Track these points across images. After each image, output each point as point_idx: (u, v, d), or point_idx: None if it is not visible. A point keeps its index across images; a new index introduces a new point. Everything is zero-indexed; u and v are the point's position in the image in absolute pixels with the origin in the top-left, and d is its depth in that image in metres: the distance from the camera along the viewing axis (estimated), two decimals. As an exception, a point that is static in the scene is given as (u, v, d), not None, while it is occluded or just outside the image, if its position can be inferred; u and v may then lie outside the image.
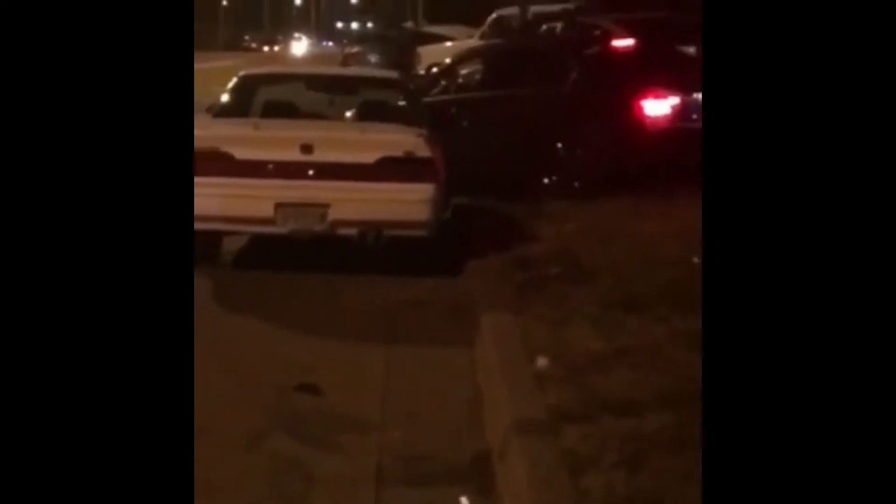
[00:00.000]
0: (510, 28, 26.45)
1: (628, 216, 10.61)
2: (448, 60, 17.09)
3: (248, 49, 66.45)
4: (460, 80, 14.56)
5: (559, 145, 12.65)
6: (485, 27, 29.69)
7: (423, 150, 8.88)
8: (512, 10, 27.76)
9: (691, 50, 16.16)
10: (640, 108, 12.63)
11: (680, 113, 12.80)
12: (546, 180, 12.64)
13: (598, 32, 22.24)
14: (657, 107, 12.70)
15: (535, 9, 26.67)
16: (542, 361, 6.22)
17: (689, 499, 4.27)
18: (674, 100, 12.78)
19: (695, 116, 12.64)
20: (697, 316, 6.99)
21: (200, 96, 11.26)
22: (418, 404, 6.09)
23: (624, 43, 15.16)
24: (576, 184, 12.38)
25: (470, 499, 4.76)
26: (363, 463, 5.23)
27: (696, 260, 8.51)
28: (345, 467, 5.19)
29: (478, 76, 14.69)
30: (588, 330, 6.84)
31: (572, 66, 13.46)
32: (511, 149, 12.44)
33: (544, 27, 24.70)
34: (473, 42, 26.51)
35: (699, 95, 12.81)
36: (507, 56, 15.76)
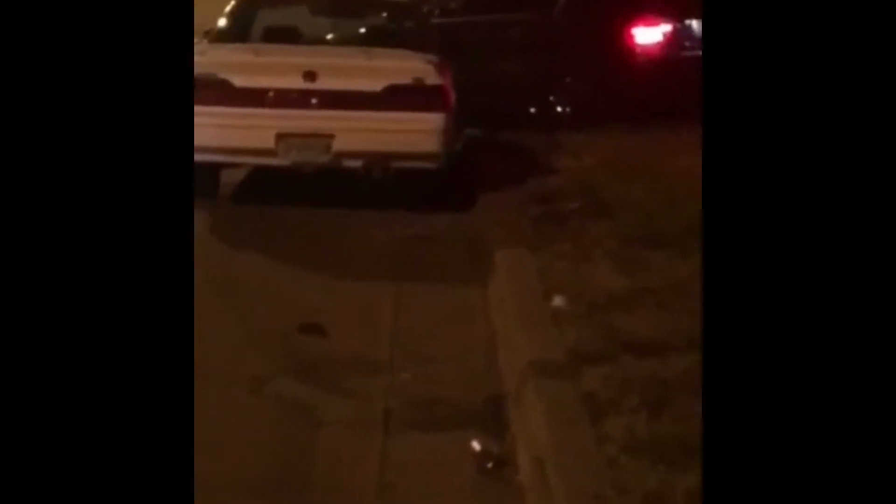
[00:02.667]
0: None
1: (648, 149, 10.69)
2: None
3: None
4: (452, 4, 14.40)
5: (546, 73, 12.67)
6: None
7: (433, 78, 8.85)
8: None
9: None
10: (631, 36, 12.73)
11: (672, 41, 12.94)
12: (532, 109, 12.69)
13: None
14: (648, 34, 12.82)
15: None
16: (559, 300, 6.21)
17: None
18: (665, 27, 12.92)
19: (688, 44, 12.92)
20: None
21: (196, 20, 11.22)
22: (429, 345, 6.10)
23: None
24: (562, 110, 12.56)
25: (482, 443, 4.74)
26: (371, 407, 5.24)
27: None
28: (352, 411, 5.21)
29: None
30: (609, 267, 6.86)
31: None
32: (497, 76, 12.47)
33: None
34: None
35: (693, 22, 12.93)
36: None
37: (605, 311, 5.94)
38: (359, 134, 8.68)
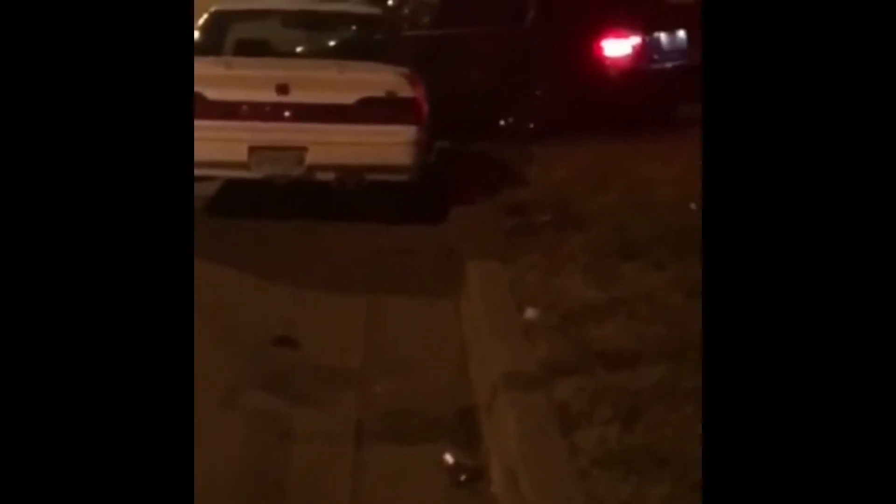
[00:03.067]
0: None
1: (619, 159, 10.68)
2: None
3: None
4: (425, 17, 14.42)
5: (517, 85, 12.67)
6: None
7: (406, 90, 8.87)
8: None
9: None
10: (601, 48, 12.81)
11: (641, 53, 13.02)
12: (502, 122, 12.73)
13: None
14: (618, 47, 12.89)
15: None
16: (531, 311, 6.21)
17: (687, 454, 4.26)
18: (635, 40, 12.98)
19: (656, 57, 13.15)
20: (696, 263, 6.97)
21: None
22: (401, 357, 6.11)
23: None
24: (531, 125, 12.54)
25: (455, 455, 4.74)
26: (343, 418, 5.24)
27: (693, 206, 8.49)
28: (324, 423, 5.20)
29: (440, 12, 14.33)
30: (581, 278, 6.84)
31: (532, 3, 13.41)
32: (468, 88, 12.45)
33: None
34: None
35: (661, 35, 13.04)
36: None
37: (577, 323, 5.93)
38: (332, 147, 8.69)
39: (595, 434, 4.49)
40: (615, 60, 12.82)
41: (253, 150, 8.69)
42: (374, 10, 11.41)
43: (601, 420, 4.63)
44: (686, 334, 5.63)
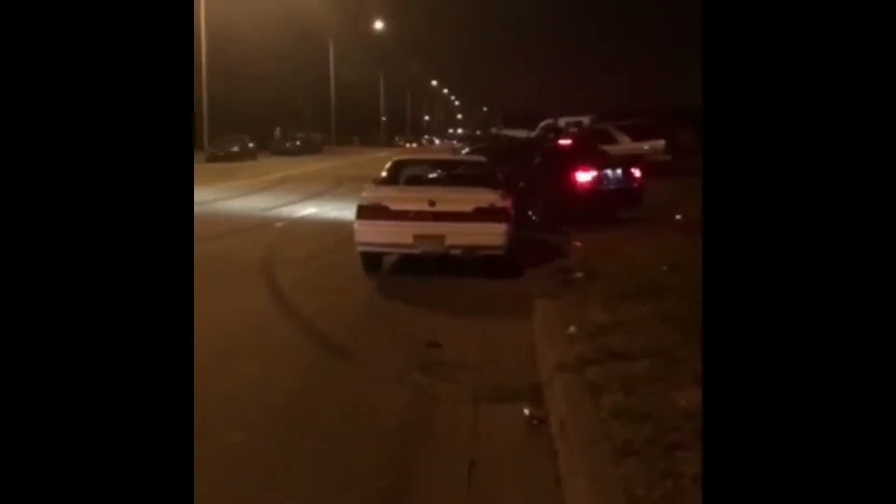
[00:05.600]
0: (551, 129, 26.47)
1: (611, 241, 10.75)
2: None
3: (397, 145, 67.04)
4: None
5: (529, 198, 12.79)
6: (537, 130, 29.71)
7: (500, 203, 8.87)
8: (550, 120, 27.82)
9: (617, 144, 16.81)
10: (575, 177, 13.15)
11: (597, 180, 13.40)
12: (531, 214, 12.96)
13: (569, 132, 22.86)
14: (584, 176, 13.24)
15: (564, 119, 26.92)
16: (572, 328, 6.17)
17: (663, 412, 4.21)
18: (594, 172, 13.39)
19: (605, 183, 13.58)
20: (667, 301, 6.89)
21: (373, 172, 11.44)
22: (499, 354, 6.04)
23: (564, 141, 16.43)
24: (534, 218, 12.87)
25: (530, 410, 4.71)
26: (466, 390, 5.21)
27: (665, 268, 8.39)
28: (456, 392, 5.18)
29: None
30: (599, 309, 6.79)
31: (537, 153, 14.34)
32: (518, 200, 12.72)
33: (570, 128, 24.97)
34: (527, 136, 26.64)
35: (608, 171, 13.86)
36: (517, 147, 16.58)
37: (597, 335, 5.89)
38: (460, 235, 8.72)
39: (609, 399, 4.47)
40: (583, 184, 13.13)
41: (416, 237, 8.75)
42: (480, 158, 11.46)
43: (613, 391, 4.60)
44: (660, 343, 5.56)
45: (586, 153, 14.71)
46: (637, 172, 14.13)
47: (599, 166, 13.53)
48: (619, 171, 13.79)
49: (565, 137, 18.04)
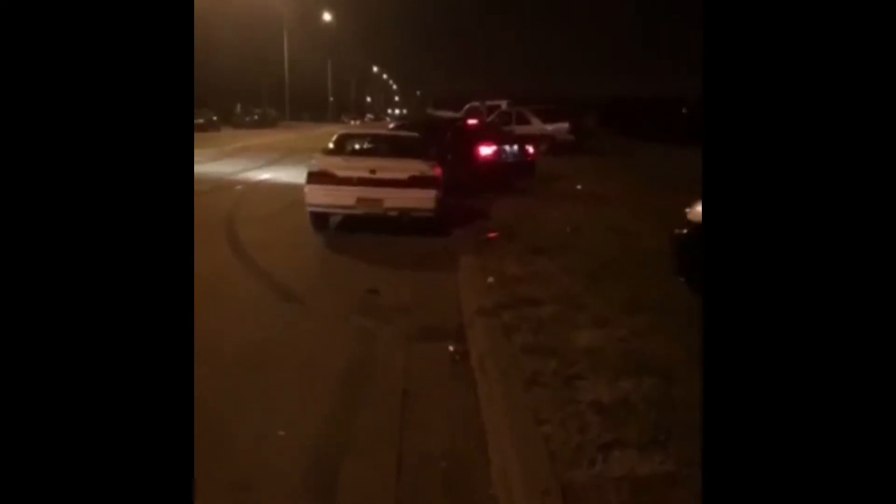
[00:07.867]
0: (475, 111, 26.13)
1: (524, 206, 10.74)
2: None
3: (343, 122, 65.92)
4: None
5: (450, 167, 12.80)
6: (462, 112, 29.47)
7: (431, 172, 8.82)
8: (475, 103, 27.55)
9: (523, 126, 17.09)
10: (478, 150, 13.22)
11: (497, 153, 13.55)
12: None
13: (487, 114, 22.95)
14: (486, 150, 13.34)
15: (489, 102, 26.73)
16: (490, 279, 6.20)
17: (567, 349, 4.27)
18: (494, 147, 13.53)
19: (503, 156, 13.74)
20: (572, 256, 6.98)
21: (322, 144, 11.23)
22: (428, 300, 6.04)
23: (472, 121, 16.35)
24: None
25: (454, 347, 4.73)
26: (401, 330, 5.20)
27: (568, 229, 8.52)
28: (392, 332, 5.16)
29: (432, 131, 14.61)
30: (514, 263, 6.82)
31: (451, 130, 14.16)
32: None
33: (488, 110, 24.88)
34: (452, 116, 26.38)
35: (506, 146, 14.02)
36: (438, 124, 16.20)
37: (512, 284, 5.92)
38: (396, 199, 8.65)
39: (521, 337, 4.51)
40: (485, 157, 13.18)
41: (358, 200, 8.66)
42: (414, 134, 11.33)
43: (524, 331, 4.64)
44: (565, 291, 5.64)
45: (489, 131, 14.97)
46: (531, 149, 14.37)
47: (499, 142, 13.79)
48: (515, 147, 14.05)
49: (473, 118, 17.95)
